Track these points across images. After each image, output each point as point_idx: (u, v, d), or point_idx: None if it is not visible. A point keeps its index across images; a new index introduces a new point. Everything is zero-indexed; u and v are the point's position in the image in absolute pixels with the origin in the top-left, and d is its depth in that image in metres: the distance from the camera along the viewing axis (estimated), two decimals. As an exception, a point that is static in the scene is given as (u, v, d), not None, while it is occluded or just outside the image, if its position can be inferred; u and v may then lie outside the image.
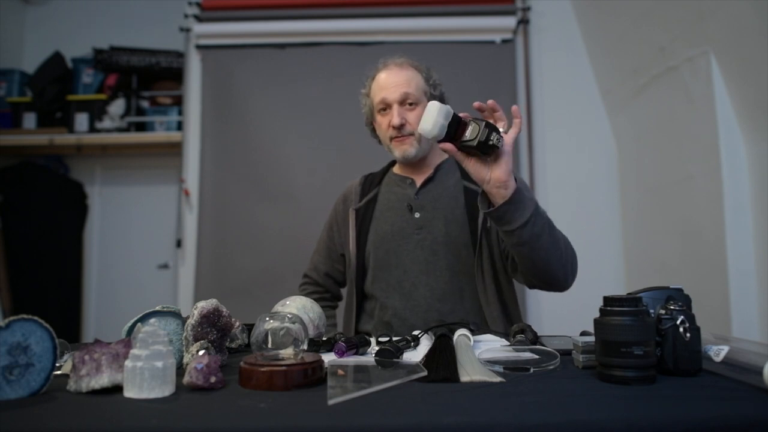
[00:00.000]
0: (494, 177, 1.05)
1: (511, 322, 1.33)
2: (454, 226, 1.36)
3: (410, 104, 1.36)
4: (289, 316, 0.84)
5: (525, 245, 1.10)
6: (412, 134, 1.36)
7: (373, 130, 1.50)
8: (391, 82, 1.37)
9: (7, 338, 0.71)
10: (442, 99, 1.45)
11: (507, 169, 1.05)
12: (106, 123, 2.83)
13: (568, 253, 1.18)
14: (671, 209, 2.23)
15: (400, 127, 1.35)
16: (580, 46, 2.79)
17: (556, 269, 1.16)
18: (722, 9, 1.82)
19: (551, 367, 0.83)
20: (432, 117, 1.01)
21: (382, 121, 1.40)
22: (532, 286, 1.26)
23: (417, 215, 1.39)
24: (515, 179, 1.07)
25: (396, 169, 1.51)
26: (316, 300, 1.27)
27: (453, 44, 2.76)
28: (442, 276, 1.35)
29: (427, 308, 1.33)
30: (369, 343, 0.99)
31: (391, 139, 1.38)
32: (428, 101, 1.39)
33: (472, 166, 1.07)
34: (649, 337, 0.74)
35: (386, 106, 1.38)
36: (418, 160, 1.41)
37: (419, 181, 1.43)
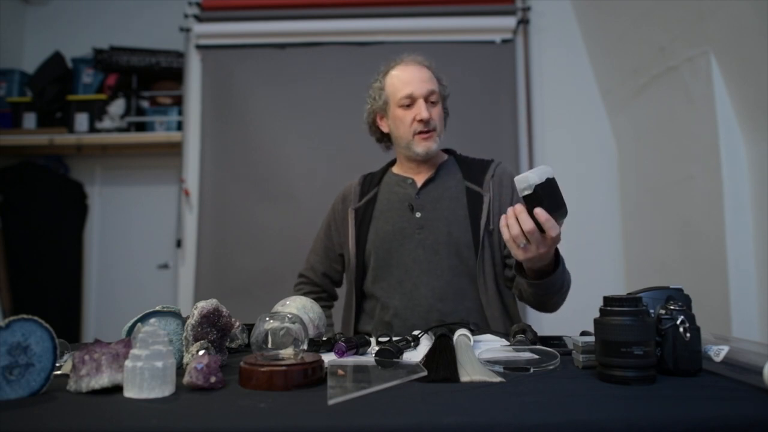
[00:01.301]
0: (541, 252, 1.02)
1: (511, 323, 1.33)
2: (455, 227, 1.36)
3: (432, 102, 1.38)
4: (289, 316, 0.84)
5: (544, 296, 1.18)
6: (434, 130, 1.38)
7: (377, 129, 1.49)
8: (416, 77, 1.38)
9: (7, 338, 0.71)
10: (446, 101, 1.46)
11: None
12: (106, 123, 2.83)
13: (565, 293, 1.25)
14: (671, 209, 2.23)
15: (428, 121, 1.36)
16: (580, 46, 2.79)
17: (552, 307, 1.26)
18: (722, 9, 1.82)
19: (551, 367, 0.83)
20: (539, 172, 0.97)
21: (404, 116, 1.38)
22: (521, 300, 1.31)
23: (418, 215, 1.39)
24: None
25: (396, 169, 1.50)
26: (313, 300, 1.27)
27: (453, 44, 2.75)
28: (443, 276, 1.35)
29: (428, 308, 1.33)
30: (369, 343, 0.99)
31: (415, 134, 1.38)
32: (442, 103, 1.42)
33: None
34: (649, 337, 0.74)
35: (412, 101, 1.37)
36: (427, 159, 1.42)
37: (420, 181, 1.43)
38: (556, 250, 1.09)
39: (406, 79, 1.39)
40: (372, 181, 1.50)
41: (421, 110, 1.35)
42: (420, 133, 1.37)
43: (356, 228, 1.43)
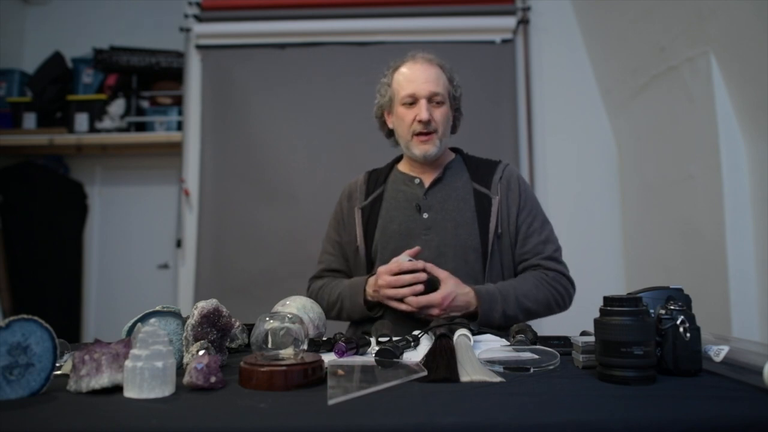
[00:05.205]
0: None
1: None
2: (463, 229, 1.35)
3: (437, 102, 1.36)
4: (289, 316, 0.84)
5: (496, 325, 1.27)
6: (435, 132, 1.36)
7: (383, 123, 1.48)
8: (421, 76, 1.36)
9: (7, 338, 0.71)
10: (458, 101, 1.46)
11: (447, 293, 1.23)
12: (106, 123, 2.83)
13: (552, 304, 1.32)
14: (671, 209, 2.23)
15: (427, 123, 1.34)
16: (580, 46, 2.79)
17: (542, 316, 1.34)
18: (722, 9, 1.82)
19: (551, 367, 0.83)
20: None
21: (405, 114, 1.37)
22: None
23: (425, 216, 1.38)
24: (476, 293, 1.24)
25: (402, 167, 1.49)
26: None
27: (453, 44, 2.75)
28: None
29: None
30: (369, 343, 0.99)
31: (414, 135, 1.37)
32: (450, 104, 1.41)
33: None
34: (649, 337, 0.74)
35: (414, 100, 1.36)
36: (426, 161, 1.41)
37: (427, 180, 1.42)
38: (480, 300, 1.24)
39: (411, 76, 1.37)
40: (378, 179, 1.48)
41: (421, 111, 1.34)
42: (419, 134, 1.36)
43: (363, 227, 1.42)
